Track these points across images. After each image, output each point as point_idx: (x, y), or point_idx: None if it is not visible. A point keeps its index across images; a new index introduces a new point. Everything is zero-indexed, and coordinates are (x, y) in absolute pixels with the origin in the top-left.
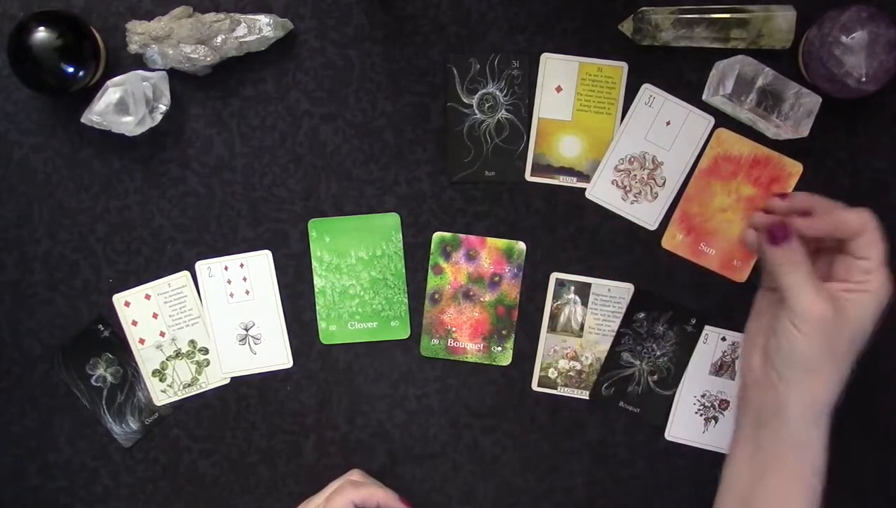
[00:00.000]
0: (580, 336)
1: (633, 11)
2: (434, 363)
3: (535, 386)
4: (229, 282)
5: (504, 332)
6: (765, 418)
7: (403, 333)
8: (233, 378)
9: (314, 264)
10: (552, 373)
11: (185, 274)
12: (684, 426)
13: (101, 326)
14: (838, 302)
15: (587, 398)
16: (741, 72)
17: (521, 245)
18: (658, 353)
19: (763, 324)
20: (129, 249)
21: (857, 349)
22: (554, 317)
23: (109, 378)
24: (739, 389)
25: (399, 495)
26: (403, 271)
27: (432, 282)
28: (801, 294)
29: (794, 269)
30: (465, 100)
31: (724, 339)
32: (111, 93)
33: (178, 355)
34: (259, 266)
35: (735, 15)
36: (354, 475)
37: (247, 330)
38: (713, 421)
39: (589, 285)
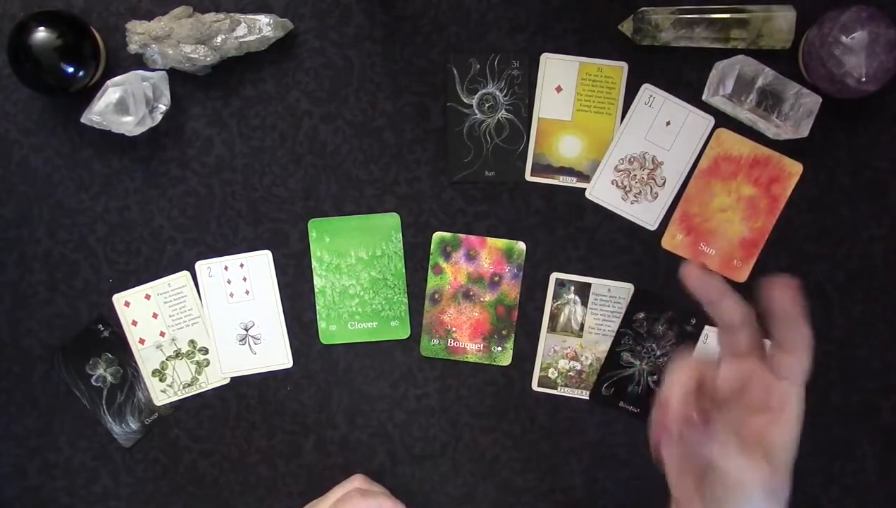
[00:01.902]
0: (580, 336)
1: (633, 11)
2: (434, 363)
3: (535, 386)
4: (229, 282)
5: (504, 332)
6: None
7: (403, 333)
8: (233, 378)
9: (314, 264)
10: (552, 373)
11: (185, 274)
12: None
13: (101, 326)
14: (770, 449)
15: (587, 398)
16: (741, 72)
17: (521, 245)
18: (658, 353)
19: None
20: (129, 249)
21: (791, 469)
22: (554, 317)
23: (109, 378)
24: None
25: (406, 504)
26: (403, 271)
27: (432, 282)
28: (738, 472)
29: (721, 451)
30: (465, 100)
31: None
32: (111, 93)
33: (178, 355)
34: (259, 266)
35: (735, 15)
36: (358, 480)
37: (247, 330)
38: None
39: (589, 285)
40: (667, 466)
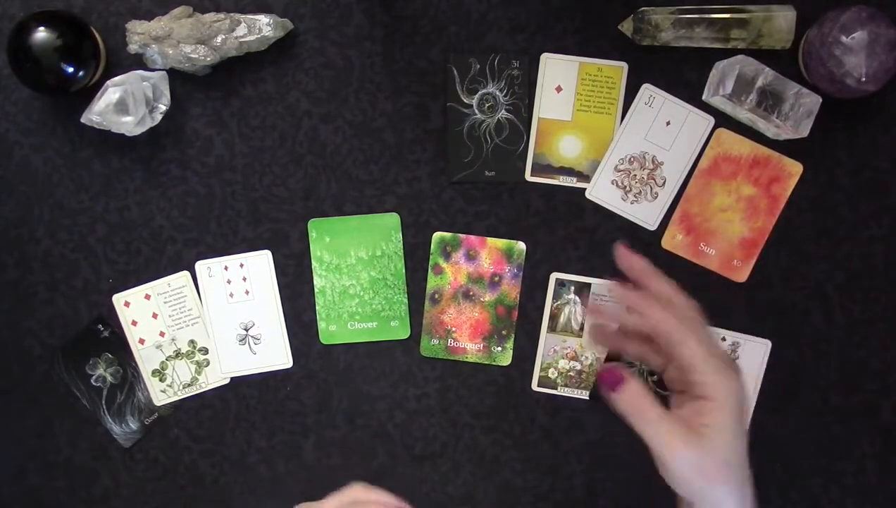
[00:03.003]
0: (580, 336)
1: (633, 11)
2: (434, 363)
3: (535, 386)
4: (229, 282)
5: (504, 332)
6: None
7: (403, 333)
8: (233, 378)
9: (314, 264)
10: (552, 373)
11: (185, 274)
12: None
13: (101, 326)
14: (697, 433)
15: (587, 398)
16: (741, 72)
17: (521, 245)
18: None
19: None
20: (129, 249)
21: (739, 453)
22: (554, 317)
23: (109, 378)
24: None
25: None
26: (403, 271)
27: (432, 282)
28: (660, 445)
29: (642, 417)
30: (465, 100)
31: (723, 339)
32: (111, 93)
33: (177, 355)
34: (259, 266)
35: (735, 15)
36: (357, 490)
37: (247, 330)
38: None
39: (589, 285)
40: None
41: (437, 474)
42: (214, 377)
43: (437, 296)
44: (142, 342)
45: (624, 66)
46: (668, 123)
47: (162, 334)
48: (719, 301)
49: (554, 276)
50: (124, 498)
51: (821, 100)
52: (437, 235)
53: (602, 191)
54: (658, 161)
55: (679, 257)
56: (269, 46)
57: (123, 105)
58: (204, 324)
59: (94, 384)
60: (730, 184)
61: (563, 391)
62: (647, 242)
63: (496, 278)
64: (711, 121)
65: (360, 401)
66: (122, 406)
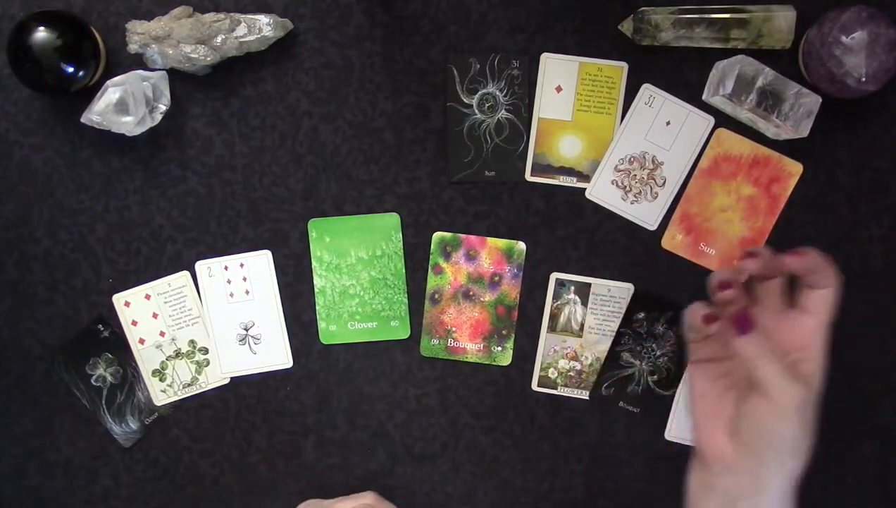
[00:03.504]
0: (580, 336)
1: (633, 11)
2: (434, 363)
3: (535, 386)
4: (229, 282)
5: (504, 332)
6: (738, 502)
7: (403, 333)
8: (233, 378)
9: (314, 263)
10: (552, 373)
11: (185, 274)
12: (684, 426)
13: (101, 326)
14: (807, 379)
15: (587, 398)
16: (741, 72)
17: (521, 245)
18: (658, 353)
19: (711, 405)
20: (129, 249)
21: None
22: (554, 317)
23: (109, 378)
24: (696, 477)
25: (406, 504)
26: (403, 271)
27: (432, 282)
28: (781, 387)
29: (767, 361)
30: (465, 100)
31: None
32: (111, 93)
33: (177, 355)
34: (259, 266)
35: (735, 15)
36: (369, 498)
37: (247, 330)
38: None
39: (589, 285)
40: (696, 411)
41: (437, 474)
42: (214, 377)
43: (437, 296)
44: (142, 341)
45: (624, 66)
46: (668, 123)
47: (162, 334)
48: None
49: (554, 276)
50: (124, 498)
51: (821, 100)
52: (437, 235)
53: (602, 191)
54: (658, 161)
55: (679, 257)
56: (269, 46)
57: (123, 105)
58: (204, 324)
59: (94, 384)
60: (730, 184)
61: (562, 391)
62: (647, 242)
63: (496, 278)
64: (711, 121)
65: (359, 401)
66: (122, 406)
